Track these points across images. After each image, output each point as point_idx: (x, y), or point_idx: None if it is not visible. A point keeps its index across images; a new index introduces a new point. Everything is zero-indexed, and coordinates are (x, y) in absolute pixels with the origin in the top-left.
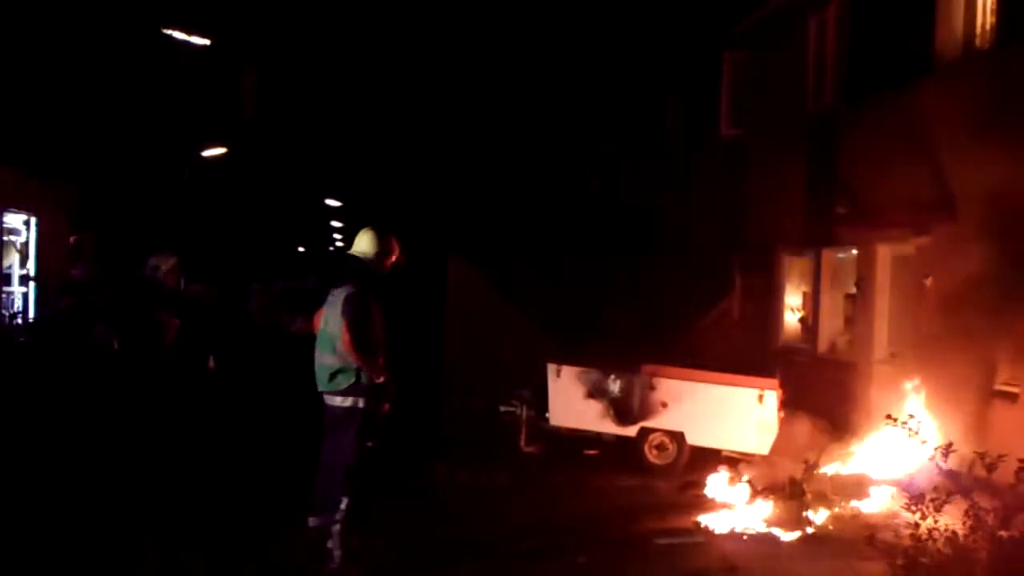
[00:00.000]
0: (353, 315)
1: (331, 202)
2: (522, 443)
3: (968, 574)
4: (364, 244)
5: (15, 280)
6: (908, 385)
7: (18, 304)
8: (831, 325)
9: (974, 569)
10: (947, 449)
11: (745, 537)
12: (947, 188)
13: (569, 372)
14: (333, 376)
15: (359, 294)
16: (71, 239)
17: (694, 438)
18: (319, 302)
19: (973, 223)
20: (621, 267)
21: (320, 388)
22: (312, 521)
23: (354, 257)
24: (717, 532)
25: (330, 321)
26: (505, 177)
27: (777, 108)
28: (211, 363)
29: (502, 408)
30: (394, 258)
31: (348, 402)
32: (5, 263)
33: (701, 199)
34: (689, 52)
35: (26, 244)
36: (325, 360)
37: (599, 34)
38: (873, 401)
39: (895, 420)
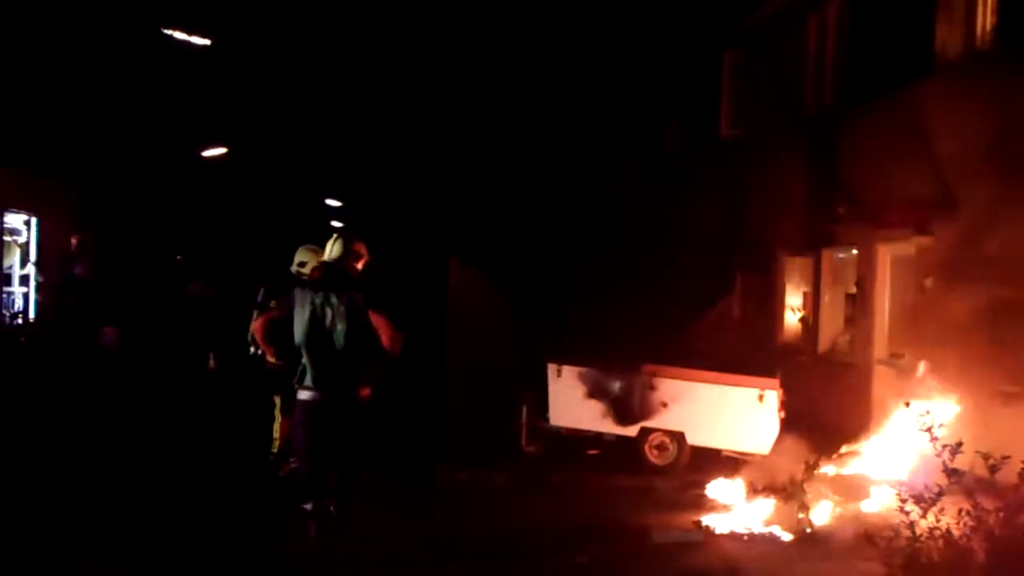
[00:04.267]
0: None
1: (331, 202)
2: (522, 443)
3: (966, 574)
4: (335, 251)
5: (15, 280)
6: (908, 385)
7: (18, 304)
8: (831, 325)
9: (972, 569)
10: (954, 449)
11: (745, 537)
12: (947, 188)
13: (569, 372)
14: (304, 372)
15: (357, 297)
16: (72, 240)
17: (694, 438)
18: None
19: (973, 223)
20: (622, 267)
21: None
22: (309, 506)
23: (330, 266)
24: (717, 532)
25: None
26: (506, 178)
27: (777, 108)
28: (211, 362)
29: (502, 408)
30: (363, 262)
31: (315, 395)
32: (5, 263)
33: (701, 199)
34: (689, 52)
35: (26, 244)
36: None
37: (599, 35)
38: (873, 401)
39: (909, 406)
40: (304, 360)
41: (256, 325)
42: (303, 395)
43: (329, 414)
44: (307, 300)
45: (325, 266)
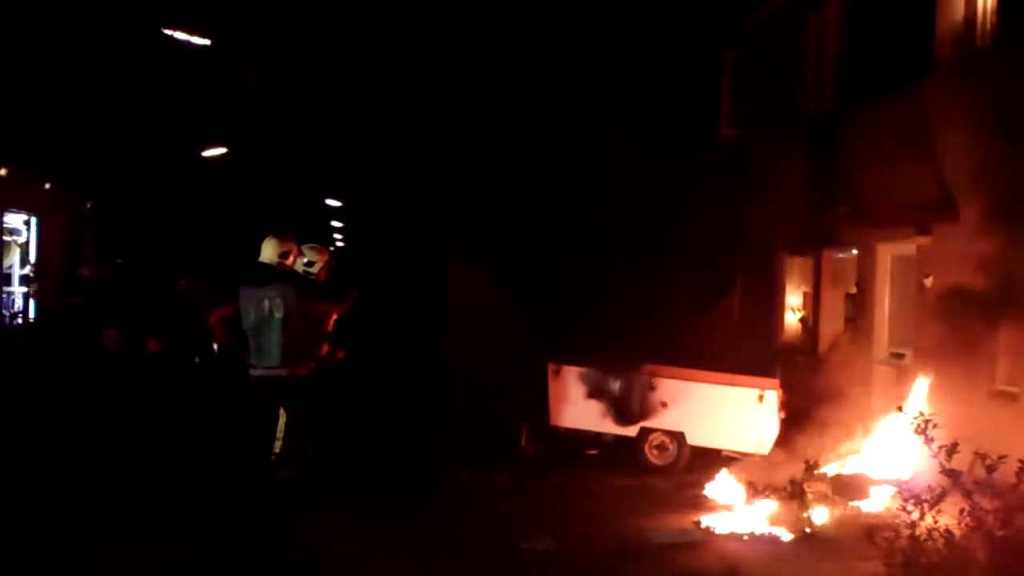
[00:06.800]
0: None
1: (331, 202)
2: (522, 443)
3: (966, 574)
4: (269, 252)
5: (15, 280)
6: (908, 385)
7: (18, 304)
8: (831, 325)
9: (972, 569)
10: (951, 449)
11: (745, 537)
12: (947, 188)
13: (569, 372)
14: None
15: (290, 290)
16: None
17: (694, 438)
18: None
19: (973, 223)
20: (621, 267)
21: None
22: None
23: (266, 264)
24: (717, 532)
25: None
26: (506, 177)
27: (777, 108)
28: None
29: (502, 408)
30: (292, 258)
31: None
32: (5, 263)
33: (701, 199)
34: (689, 52)
35: (26, 244)
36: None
37: (600, 34)
38: (873, 401)
39: (903, 410)
40: (251, 344)
41: (212, 316)
42: (252, 372)
43: (272, 388)
44: (252, 293)
45: (261, 265)
